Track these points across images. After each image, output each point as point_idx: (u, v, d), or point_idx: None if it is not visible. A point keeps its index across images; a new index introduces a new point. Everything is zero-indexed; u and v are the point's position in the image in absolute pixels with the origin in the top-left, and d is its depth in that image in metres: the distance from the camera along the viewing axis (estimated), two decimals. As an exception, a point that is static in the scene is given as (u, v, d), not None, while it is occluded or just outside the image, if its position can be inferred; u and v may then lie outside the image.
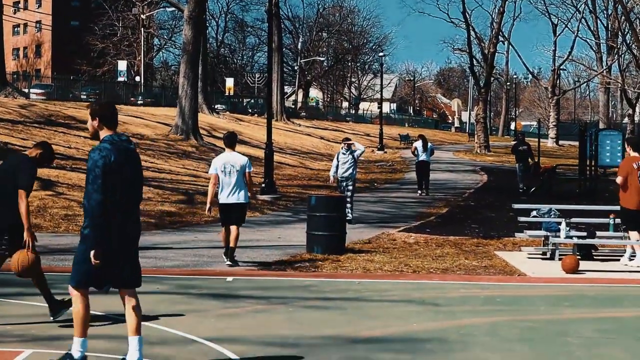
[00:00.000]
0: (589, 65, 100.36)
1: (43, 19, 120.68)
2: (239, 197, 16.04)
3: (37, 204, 23.59)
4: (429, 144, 33.82)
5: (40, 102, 50.41)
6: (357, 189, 35.02)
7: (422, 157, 33.36)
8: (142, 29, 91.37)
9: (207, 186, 17.28)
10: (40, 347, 9.18)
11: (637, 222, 16.65)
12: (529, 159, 34.47)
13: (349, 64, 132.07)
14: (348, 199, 23.17)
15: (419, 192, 33.48)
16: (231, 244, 16.16)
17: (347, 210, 21.85)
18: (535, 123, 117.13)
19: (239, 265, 16.24)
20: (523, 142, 35.15)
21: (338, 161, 24.24)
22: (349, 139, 25.54)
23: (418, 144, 33.73)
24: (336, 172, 24.23)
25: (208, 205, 16.43)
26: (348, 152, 24.13)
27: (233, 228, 16.10)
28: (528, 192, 32.68)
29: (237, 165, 16.00)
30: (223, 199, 16.05)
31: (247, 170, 16.08)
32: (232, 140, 16.43)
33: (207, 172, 34.97)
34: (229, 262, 16.18)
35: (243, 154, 17.30)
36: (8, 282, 13.56)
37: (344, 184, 24.11)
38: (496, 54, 78.51)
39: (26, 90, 65.95)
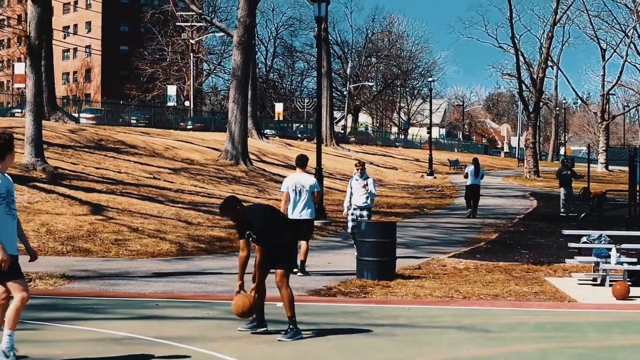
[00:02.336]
0: (638, 90, 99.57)
1: (92, 43, 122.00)
2: (308, 214, 17.70)
3: (87, 228, 23.78)
4: (481, 169, 33.91)
5: (90, 127, 50.69)
6: (406, 214, 35.12)
7: (473, 180, 33.52)
8: (192, 54, 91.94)
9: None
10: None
11: None
12: (572, 184, 34.83)
13: (398, 89, 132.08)
14: (354, 232, 20.09)
15: (468, 210, 33.59)
16: (302, 257, 17.82)
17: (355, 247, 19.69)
18: (584, 148, 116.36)
19: (310, 275, 18.00)
20: (566, 167, 35.33)
21: (352, 188, 20.85)
22: (361, 161, 22.75)
23: (469, 169, 33.97)
24: (350, 200, 20.76)
25: None
26: (362, 178, 20.76)
27: (303, 243, 17.75)
28: (569, 216, 32.58)
29: (306, 185, 17.66)
30: (293, 215, 17.43)
31: (315, 190, 17.85)
32: (303, 161, 18.18)
33: (256, 197, 35.31)
34: (300, 273, 17.74)
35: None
36: (57, 307, 13.68)
37: (358, 212, 20.42)
38: (545, 78, 78.04)
39: (76, 115, 66.69)
